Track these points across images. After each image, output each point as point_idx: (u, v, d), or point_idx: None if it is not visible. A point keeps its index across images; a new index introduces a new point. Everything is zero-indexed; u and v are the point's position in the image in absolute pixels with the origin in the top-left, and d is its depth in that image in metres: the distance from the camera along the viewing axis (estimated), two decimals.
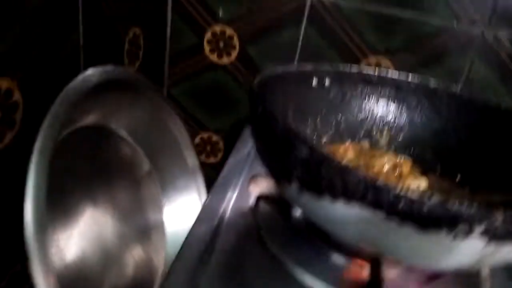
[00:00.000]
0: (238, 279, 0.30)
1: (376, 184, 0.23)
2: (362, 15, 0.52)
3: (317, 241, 0.35)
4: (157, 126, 0.44)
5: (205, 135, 0.63)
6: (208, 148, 0.64)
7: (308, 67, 0.44)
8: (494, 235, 0.22)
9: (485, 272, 0.34)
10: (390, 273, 0.33)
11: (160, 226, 0.44)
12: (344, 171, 0.24)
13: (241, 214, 0.39)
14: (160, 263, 0.42)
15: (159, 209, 0.44)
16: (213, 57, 0.58)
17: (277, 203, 0.39)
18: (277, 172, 0.30)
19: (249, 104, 0.33)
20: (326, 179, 0.25)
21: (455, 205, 0.22)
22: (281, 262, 0.33)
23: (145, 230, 0.43)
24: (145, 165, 0.44)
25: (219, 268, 0.30)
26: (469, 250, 0.23)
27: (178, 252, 0.30)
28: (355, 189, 0.24)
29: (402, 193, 0.22)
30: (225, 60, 0.58)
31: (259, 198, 0.40)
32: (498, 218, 0.22)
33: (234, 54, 0.57)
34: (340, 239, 0.31)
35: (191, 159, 0.47)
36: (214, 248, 0.32)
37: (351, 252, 0.33)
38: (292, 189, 0.28)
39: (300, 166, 0.26)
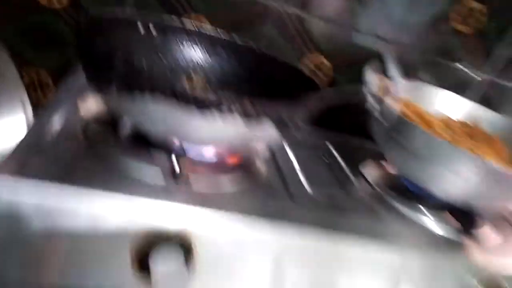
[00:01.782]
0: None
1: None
2: None
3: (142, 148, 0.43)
4: None
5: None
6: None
7: (133, 13, 0.51)
8: (243, 114, 0.35)
9: None
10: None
11: None
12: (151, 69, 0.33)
13: (71, 137, 0.44)
14: None
15: None
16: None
17: (106, 122, 0.46)
18: (99, 83, 0.38)
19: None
20: (134, 77, 0.34)
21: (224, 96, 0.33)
22: (111, 164, 0.40)
23: None
24: None
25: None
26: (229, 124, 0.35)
27: None
28: (159, 83, 0.33)
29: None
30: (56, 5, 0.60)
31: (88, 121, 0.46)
32: (246, 104, 0.34)
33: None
34: (154, 135, 0.41)
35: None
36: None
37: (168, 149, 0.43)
38: (112, 95, 0.36)
39: (116, 69, 0.35)
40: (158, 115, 0.35)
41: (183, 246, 0.36)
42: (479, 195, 0.50)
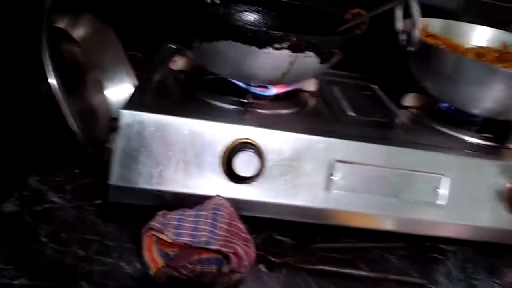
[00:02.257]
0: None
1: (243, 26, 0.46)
2: None
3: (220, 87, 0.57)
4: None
5: None
6: None
7: None
8: (292, 47, 0.47)
9: None
10: None
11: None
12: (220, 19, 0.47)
13: (168, 85, 0.59)
14: None
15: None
16: None
17: (192, 73, 0.61)
18: (183, 38, 0.52)
19: None
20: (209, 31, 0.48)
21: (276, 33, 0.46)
22: (199, 99, 0.55)
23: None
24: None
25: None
26: (282, 57, 0.48)
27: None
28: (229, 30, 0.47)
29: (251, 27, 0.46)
30: None
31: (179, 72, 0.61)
32: (293, 38, 0.46)
33: None
34: (227, 77, 0.55)
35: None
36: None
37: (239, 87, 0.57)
38: (195, 46, 0.50)
39: (196, 24, 0.48)
40: (229, 61, 0.49)
41: (257, 153, 0.49)
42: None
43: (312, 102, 0.62)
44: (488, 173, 0.54)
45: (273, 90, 0.58)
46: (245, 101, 0.53)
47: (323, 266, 0.50)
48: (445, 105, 0.66)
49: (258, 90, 0.57)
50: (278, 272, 0.48)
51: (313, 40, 0.48)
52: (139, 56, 0.81)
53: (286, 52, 0.47)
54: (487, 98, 0.57)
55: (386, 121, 0.62)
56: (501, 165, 0.54)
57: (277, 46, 0.46)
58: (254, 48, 0.47)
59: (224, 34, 0.47)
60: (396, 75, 0.73)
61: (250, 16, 0.67)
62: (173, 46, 0.70)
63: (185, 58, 0.61)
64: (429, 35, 0.68)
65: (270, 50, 0.47)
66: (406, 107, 0.66)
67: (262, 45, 0.46)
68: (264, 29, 0.46)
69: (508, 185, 0.54)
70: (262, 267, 0.48)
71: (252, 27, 0.46)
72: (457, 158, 0.54)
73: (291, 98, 0.60)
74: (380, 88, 0.73)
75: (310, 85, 0.63)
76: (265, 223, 0.53)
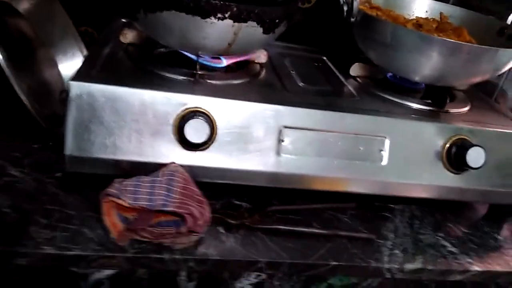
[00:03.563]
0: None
1: None
2: None
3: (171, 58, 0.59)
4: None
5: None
6: None
7: None
8: (234, 17, 0.48)
9: None
10: None
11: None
12: None
13: (117, 58, 0.59)
14: None
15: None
16: None
17: (142, 46, 0.61)
18: (129, 10, 0.52)
19: None
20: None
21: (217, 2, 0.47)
22: (150, 71, 0.55)
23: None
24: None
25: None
26: (226, 27, 0.49)
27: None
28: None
29: None
30: None
31: (129, 45, 0.62)
32: (234, 7, 0.48)
33: None
34: (176, 48, 0.56)
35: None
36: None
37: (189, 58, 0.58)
38: (141, 17, 0.51)
39: None
40: (174, 32, 0.50)
41: (207, 120, 0.51)
42: (447, 72, 0.61)
43: (263, 73, 0.64)
44: (427, 134, 0.59)
45: (224, 62, 0.60)
46: (196, 72, 0.54)
47: (278, 226, 0.53)
48: (391, 74, 0.70)
49: (209, 62, 0.59)
50: (236, 233, 0.51)
51: (254, 10, 0.49)
52: (91, 32, 0.81)
53: (229, 22, 0.49)
54: (424, 65, 0.61)
55: (333, 90, 0.65)
56: (440, 127, 0.59)
57: (220, 15, 0.48)
58: (197, 18, 0.48)
59: (167, 3, 0.48)
60: (346, 47, 0.76)
61: None
62: (124, 20, 0.70)
63: (135, 31, 0.61)
64: (373, 7, 0.71)
65: (213, 20, 0.48)
66: (354, 77, 0.69)
67: (205, 15, 0.48)
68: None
69: (442, 143, 0.59)
70: (220, 229, 0.51)
71: None
72: (398, 121, 0.58)
73: (242, 69, 0.62)
74: (329, 59, 0.76)
75: (261, 57, 0.65)
76: (224, 190, 0.55)
